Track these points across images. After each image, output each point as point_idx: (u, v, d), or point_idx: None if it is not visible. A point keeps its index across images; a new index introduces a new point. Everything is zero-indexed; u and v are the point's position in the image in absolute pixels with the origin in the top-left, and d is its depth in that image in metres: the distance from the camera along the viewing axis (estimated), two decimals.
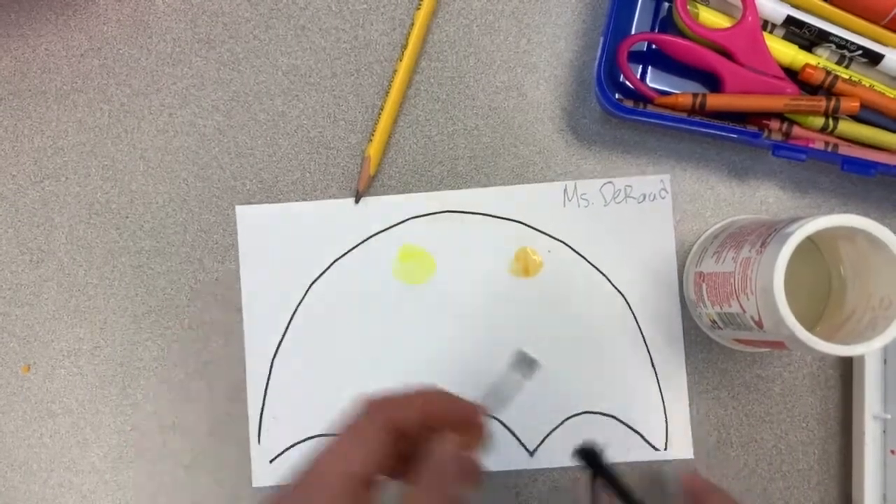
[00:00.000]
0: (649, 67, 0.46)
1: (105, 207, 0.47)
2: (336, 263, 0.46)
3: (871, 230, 0.35)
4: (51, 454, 0.47)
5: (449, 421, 0.33)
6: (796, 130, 0.44)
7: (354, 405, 0.33)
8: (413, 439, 0.32)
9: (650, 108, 0.44)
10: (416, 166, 0.47)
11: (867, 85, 0.44)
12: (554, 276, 0.46)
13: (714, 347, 0.46)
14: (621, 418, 0.46)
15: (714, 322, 0.43)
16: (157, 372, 0.47)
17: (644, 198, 0.46)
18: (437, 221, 0.46)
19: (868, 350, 0.35)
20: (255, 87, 0.47)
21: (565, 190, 0.46)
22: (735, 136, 0.43)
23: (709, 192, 0.46)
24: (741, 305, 0.38)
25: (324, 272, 0.46)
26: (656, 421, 0.46)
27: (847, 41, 0.43)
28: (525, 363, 0.39)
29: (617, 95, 0.45)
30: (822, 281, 0.42)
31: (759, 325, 0.37)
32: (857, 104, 0.43)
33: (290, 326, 0.46)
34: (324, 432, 0.46)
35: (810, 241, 0.38)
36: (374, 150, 0.46)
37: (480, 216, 0.46)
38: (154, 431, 0.47)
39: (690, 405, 0.46)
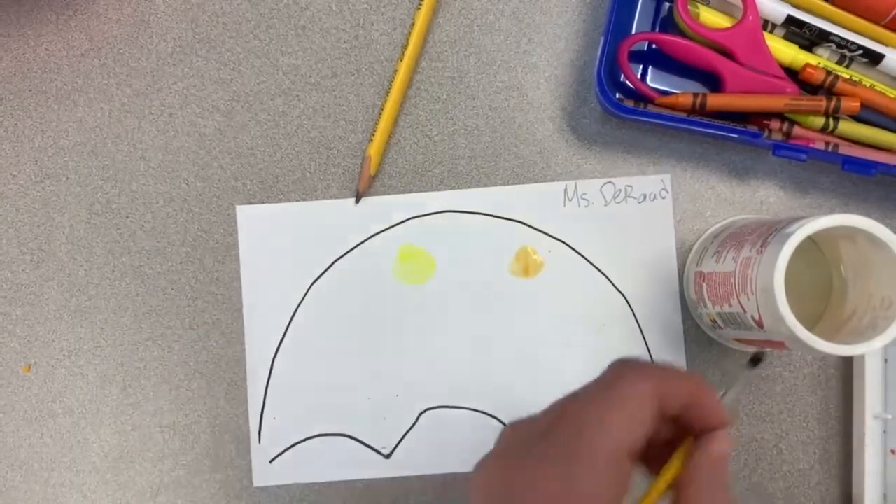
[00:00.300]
0: (649, 67, 0.46)
1: (105, 207, 0.47)
2: (336, 263, 0.46)
3: (872, 230, 0.35)
4: (51, 454, 0.47)
5: (700, 417, 0.29)
6: (797, 130, 0.44)
7: (612, 367, 0.29)
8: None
9: (650, 108, 0.44)
10: (416, 166, 0.47)
11: (868, 85, 0.44)
12: (554, 276, 0.46)
13: (714, 347, 0.46)
14: None
15: (714, 322, 0.43)
16: (157, 372, 0.47)
17: (644, 198, 0.46)
18: (437, 221, 0.46)
19: (868, 350, 0.35)
20: (255, 87, 0.47)
21: (565, 190, 0.46)
22: (735, 135, 0.43)
23: (709, 192, 0.46)
24: (741, 305, 0.38)
25: (324, 272, 0.46)
26: None
27: (847, 41, 0.43)
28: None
29: (617, 95, 0.45)
30: (822, 281, 0.42)
31: (760, 324, 0.37)
32: (857, 104, 0.43)
33: (290, 326, 0.46)
34: (324, 432, 0.46)
35: (811, 240, 0.38)
36: (374, 150, 0.46)
37: (480, 216, 0.46)
38: (154, 431, 0.47)
39: None
